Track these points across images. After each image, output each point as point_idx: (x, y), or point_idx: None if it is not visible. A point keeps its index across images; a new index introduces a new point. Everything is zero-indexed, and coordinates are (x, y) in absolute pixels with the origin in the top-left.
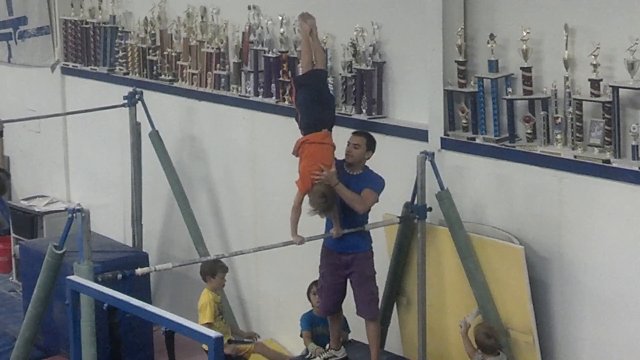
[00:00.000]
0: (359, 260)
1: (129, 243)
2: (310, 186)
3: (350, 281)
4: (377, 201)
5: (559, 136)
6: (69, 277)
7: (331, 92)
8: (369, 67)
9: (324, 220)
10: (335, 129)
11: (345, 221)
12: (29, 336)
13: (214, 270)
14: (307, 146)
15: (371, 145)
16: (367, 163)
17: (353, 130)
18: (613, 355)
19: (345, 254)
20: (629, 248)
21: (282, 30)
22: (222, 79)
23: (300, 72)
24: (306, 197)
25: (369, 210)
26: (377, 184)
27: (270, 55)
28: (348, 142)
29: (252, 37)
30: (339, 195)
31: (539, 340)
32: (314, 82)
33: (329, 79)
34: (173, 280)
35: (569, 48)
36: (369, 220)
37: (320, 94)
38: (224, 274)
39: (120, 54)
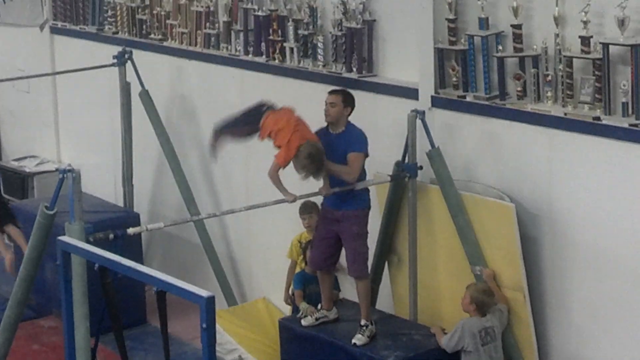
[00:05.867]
0: (347, 218)
1: (120, 203)
2: (293, 155)
3: (341, 238)
4: (367, 157)
5: (549, 93)
6: (59, 237)
7: None
8: (359, 25)
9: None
10: (326, 87)
11: (335, 179)
12: (21, 297)
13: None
14: (299, 121)
15: (348, 102)
16: (356, 122)
17: (329, 89)
18: (603, 309)
19: (336, 210)
20: (618, 204)
21: None
22: (212, 38)
23: None
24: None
25: (360, 172)
26: (360, 142)
27: (260, 13)
28: (325, 101)
29: None
30: (327, 170)
31: (530, 296)
32: None
33: (319, 38)
34: (164, 240)
35: (560, 5)
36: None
37: None
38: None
39: (109, 12)
